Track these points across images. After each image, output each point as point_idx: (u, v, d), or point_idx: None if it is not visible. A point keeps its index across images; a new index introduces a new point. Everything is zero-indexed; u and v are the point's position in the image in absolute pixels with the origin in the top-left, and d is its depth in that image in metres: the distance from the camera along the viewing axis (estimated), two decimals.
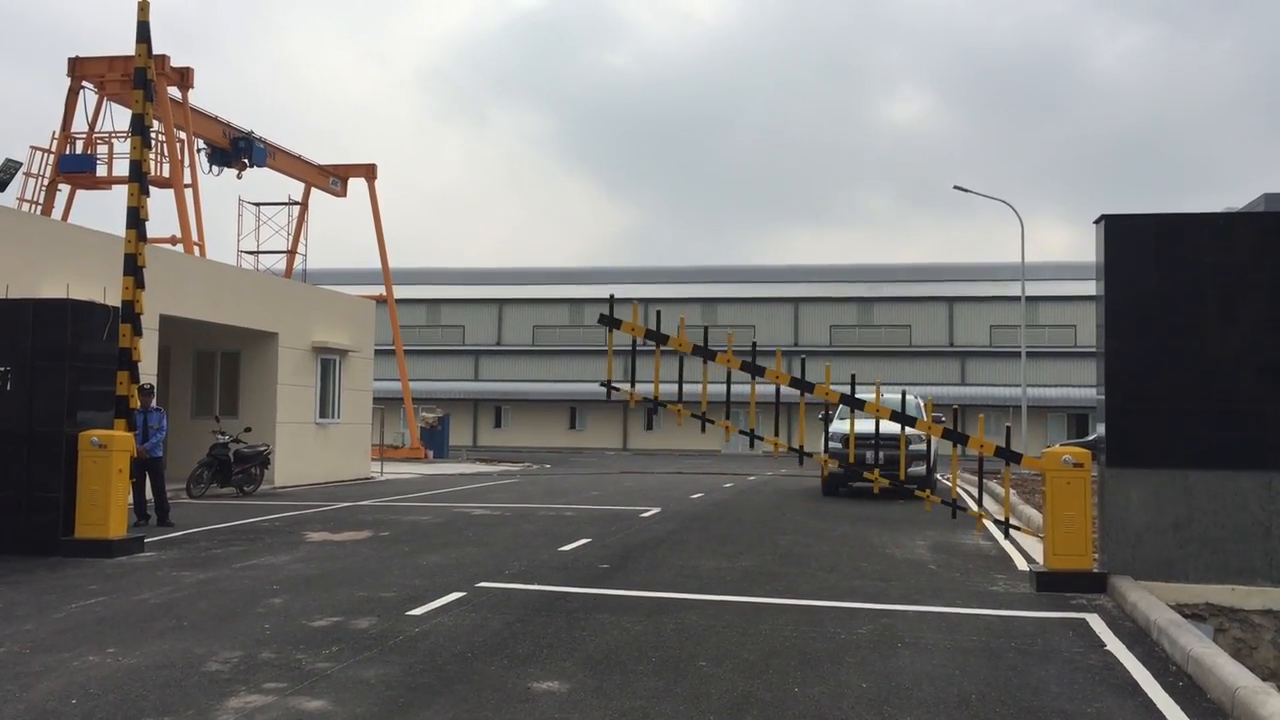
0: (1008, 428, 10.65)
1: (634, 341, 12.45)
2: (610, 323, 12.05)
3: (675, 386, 12.29)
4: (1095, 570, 9.73)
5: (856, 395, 11.18)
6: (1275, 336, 9.65)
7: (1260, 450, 9.53)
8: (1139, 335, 9.89)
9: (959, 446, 10.87)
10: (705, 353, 11.75)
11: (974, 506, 11.13)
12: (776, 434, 12.06)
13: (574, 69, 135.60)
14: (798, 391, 11.33)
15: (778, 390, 11.75)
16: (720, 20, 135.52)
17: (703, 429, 12.46)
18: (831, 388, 11.24)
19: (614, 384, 12.56)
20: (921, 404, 22.53)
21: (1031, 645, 7.49)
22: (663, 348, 12.03)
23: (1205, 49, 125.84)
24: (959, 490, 23.17)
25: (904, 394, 18.77)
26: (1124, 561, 9.67)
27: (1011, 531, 13.27)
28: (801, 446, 11.98)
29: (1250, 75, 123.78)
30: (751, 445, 11.89)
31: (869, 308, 57.19)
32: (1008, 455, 10.47)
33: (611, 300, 12.42)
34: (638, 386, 12.61)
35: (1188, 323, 9.81)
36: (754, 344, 12.07)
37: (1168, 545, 9.60)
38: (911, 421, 11.41)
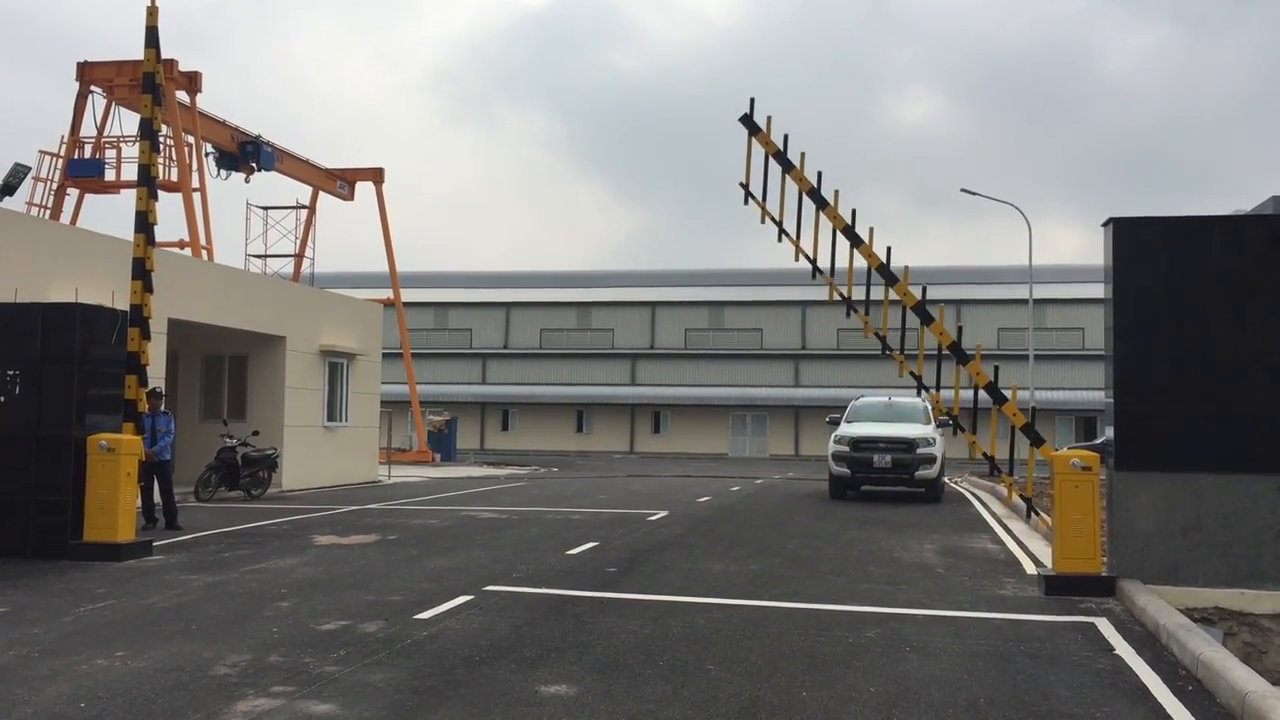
0: (1033, 409, 10.53)
1: (765, 159, 12.09)
2: (750, 126, 11.73)
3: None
4: (1104, 574, 9.70)
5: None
6: None
7: (1270, 454, 9.49)
8: (1148, 338, 9.86)
9: (998, 406, 10.71)
10: (818, 199, 11.45)
11: (1003, 472, 10.98)
12: (938, 388, 11.61)
13: (581, 70, 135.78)
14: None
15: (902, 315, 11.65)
16: (729, 21, 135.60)
17: (813, 275, 12.05)
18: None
19: (750, 192, 12.25)
20: (929, 407, 22.52)
21: (1040, 649, 7.47)
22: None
23: (1218, 49, 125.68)
24: (966, 491, 23.13)
25: (920, 389, 18.58)
26: (1133, 565, 9.63)
27: (1019, 535, 13.22)
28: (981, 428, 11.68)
29: (1263, 75, 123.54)
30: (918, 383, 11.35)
31: (877, 311, 57.12)
32: (1032, 435, 10.39)
33: (752, 103, 12.03)
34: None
35: (1197, 326, 9.78)
36: (854, 209, 11.70)
37: (1177, 549, 9.56)
38: (968, 358, 11.12)
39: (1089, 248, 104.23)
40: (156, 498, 14.55)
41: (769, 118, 11.61)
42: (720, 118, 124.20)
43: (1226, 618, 9.33)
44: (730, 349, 57.84)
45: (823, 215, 11.31)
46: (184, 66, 27.52)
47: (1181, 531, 9.56)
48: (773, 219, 11.71)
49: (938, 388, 11.00)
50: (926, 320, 10.59)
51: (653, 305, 59.41)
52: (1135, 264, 9.94)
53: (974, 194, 36.69)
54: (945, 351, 11.04)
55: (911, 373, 11.06)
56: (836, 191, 11.27)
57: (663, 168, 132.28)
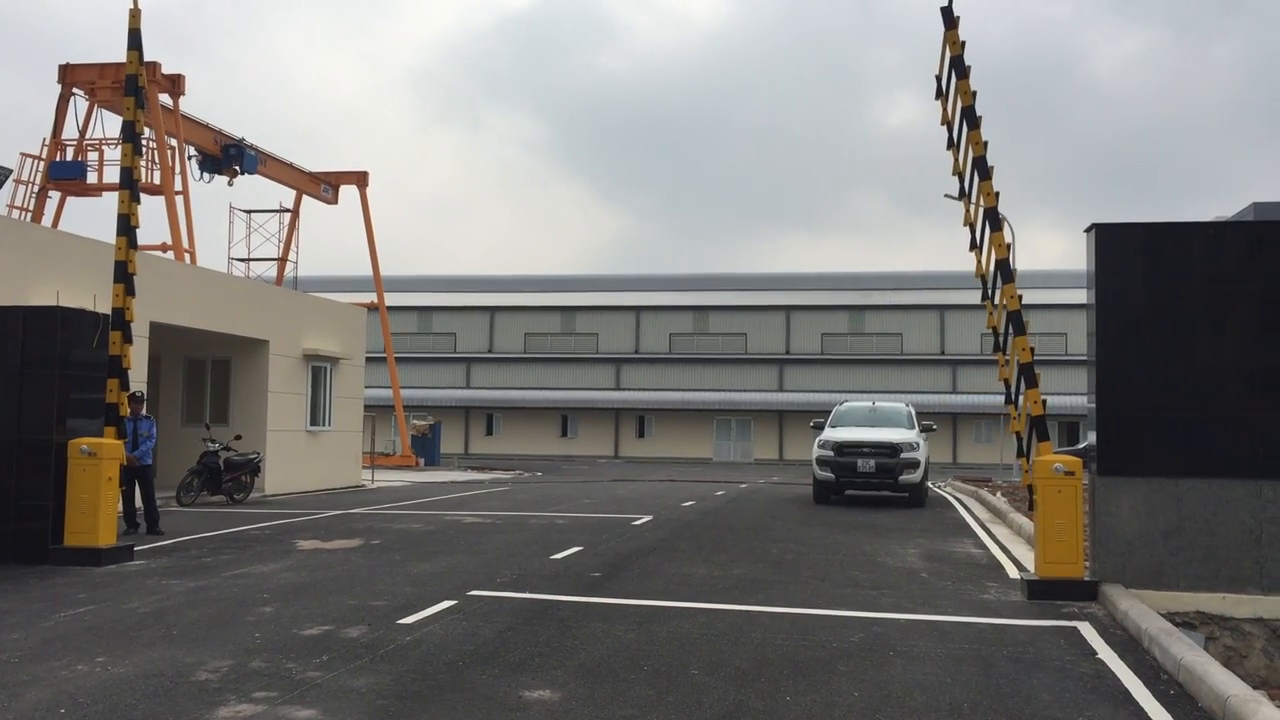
0: (1043, 399, 10.44)
1: (949, 62, 10.97)
2: (948, 19, 11.02)
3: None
4: (1086, 578, 9.73)
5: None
6: (1265, 345, 9.68)
7: (1250, 458, 9.55)
8: (1129, 344, 9.92)
9: (1021, 407, 10.41)
10: (970, 118, 10.50)
11: (1025, 456, 10.72)
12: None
13: (566, 71, 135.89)
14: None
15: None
16: (715, 23, 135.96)
17: (958, 196, 10.92)
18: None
19: (942, 87, 11.04)
20: (913, 412, 22.59)
21: (1023, 654, 7.49)
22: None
23: (1204, 54, 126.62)
24: (950, 496, 23.21)
25: (996, 345, 18.40)
26: (1115, 570, 9.68)
27: (1003, 539, 13.25)
28: None
29: (1250, 80, 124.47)
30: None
31: (860, 315, 57.31)
32: (1040, 429, 10.32)
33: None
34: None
35: (1178, 331, 9.84)
36: (986, 142, 10.62)
37: (1159, 553, 9.61)
38: (1022, 330, 10.54)
39: (1073, 253, 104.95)
40: (138, 502, 14.47)
41: (958, 16, 10.98)
42: (706, 119, 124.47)
43: (1208, 622, 9.38)
44: (715, 353, 57.92)
45: (971, 137, 10.69)
46: (167, 68, 27.41)
47: (1163, 536, 9.61)
48: (948, 125, 11.23)
49: (1002, 348, 10.72)
50: (1007, 278, 10.45)
51: (637, 310, 59.44)
52: (1117, 270, 9.99)
53: (956, 199, 36.80)
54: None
55: (994, 328, 10.82)
56: (980, 117, 10.79)
57: (647, 170, 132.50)
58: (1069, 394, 50.40)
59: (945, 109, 11.15)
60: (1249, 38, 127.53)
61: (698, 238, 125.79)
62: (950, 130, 11.09)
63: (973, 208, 10.89)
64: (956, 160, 11.03)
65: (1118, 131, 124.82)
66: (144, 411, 14.72)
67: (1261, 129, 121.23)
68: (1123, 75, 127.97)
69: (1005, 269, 10.47)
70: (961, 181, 11.00)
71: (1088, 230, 10.21)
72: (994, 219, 10.58)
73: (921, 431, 21.31)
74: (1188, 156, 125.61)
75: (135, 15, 12.43)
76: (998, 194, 10.64)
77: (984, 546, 13.85)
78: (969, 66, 10.77)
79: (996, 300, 10.64)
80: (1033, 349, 10.56)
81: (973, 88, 10.73)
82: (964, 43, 10.81)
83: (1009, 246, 10.59)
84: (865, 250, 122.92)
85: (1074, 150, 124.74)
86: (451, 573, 10.86)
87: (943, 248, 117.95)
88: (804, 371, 56.58)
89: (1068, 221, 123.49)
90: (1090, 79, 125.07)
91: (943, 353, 55.91)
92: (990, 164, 10.69)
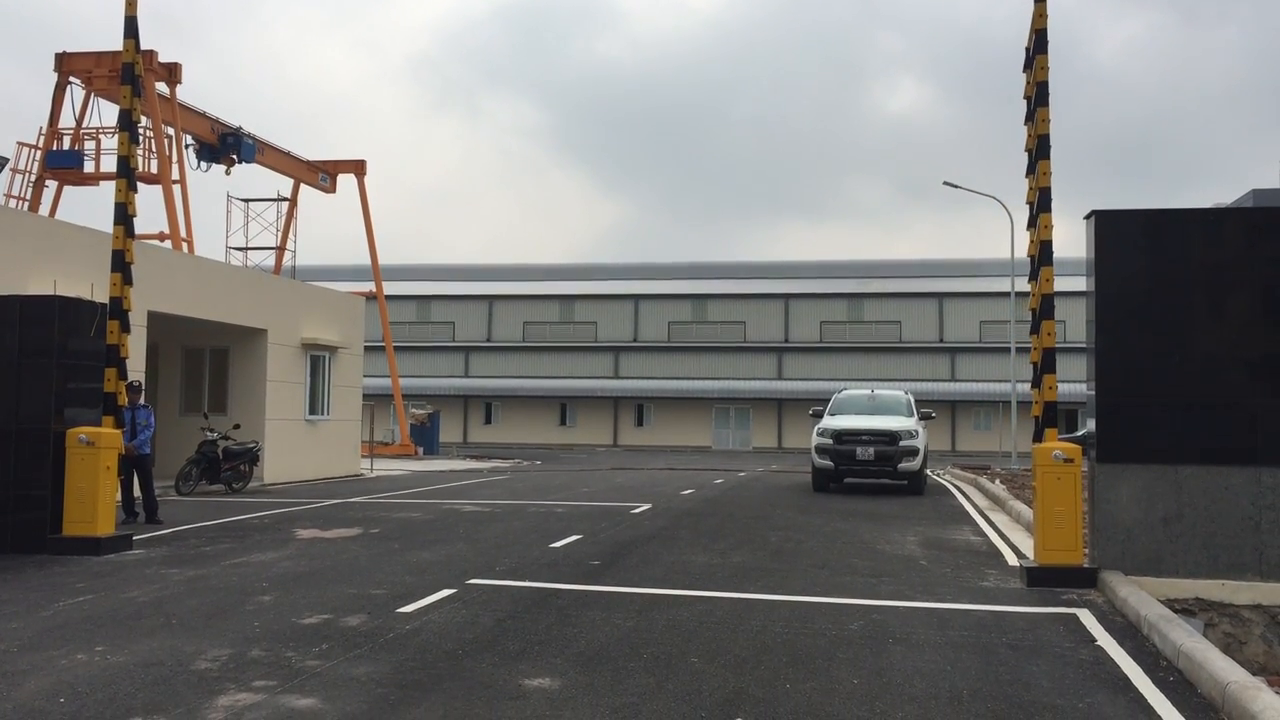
0: (1051, 387, 10.35)
1: (1032, 37, 10.76)
2: None
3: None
4: (1086, 565, 9.73)
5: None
6: (1264, 332, 9.67)
7: (1250, 445, 9.55)
8: (1128, 331, 9.90)
9: (1039, 387, 10.32)
10: (1041, 96, 10.26)
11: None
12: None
13: (564, 59, 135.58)
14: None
15: None
16: (713, 9, 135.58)
17: (1027, 173, 10.71)
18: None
19: (1031, 58, 10.47)
20: (912, 400, 22.60)
21: (1022, 641, 7.50)
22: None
23: (1207, 38, 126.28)
24: (949, 483, 23.22)
25: (906, 393, 18.57)
26: (1114, 556, 9.68)
27: (1001, 526, 13.24)
28: None
29: (1253, 65, 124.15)
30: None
31: (859, 304, 57.29)
32: (1050, 416, 10.28)
33: None
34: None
35: (1177, 318, 9.83)
36: (1051, 127, 10.32)
37: (1158, 540, 9.61)
38: (1050, 315, 10.43)
39: (1072, 240, 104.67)
40: (136, 492, 14.47)
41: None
42: (706, 106, 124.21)
43: (1207, 608, 9.39)
44: (713, 342, 57.93)
45: (1038, 114, 10.53)
46: (164, 56, 27.37)
47: (1163, 523, 9.61)
48: (1027, 99, 11.07)
49: (1035, 330, 10.60)
50: (1045, 261, 10.37)
51: (635, 298, 59.42)
52: (1116, 256, 9.97)
53: (955, 186, 36.75)
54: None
55: (1032, 310, 10.70)
56: (1049, 94, 10.63)
57: (646, 158, 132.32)
58: (1067, 382, 50.24)
59: (1028, 82, 11.04)
60: (1253, 21, 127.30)
61: (696, 226, 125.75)
62: (1030, 104, 10.99)
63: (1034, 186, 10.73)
64: (1030, 134, 10.92)
65: (1118, 117, 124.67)
66: (142, 401, 14.70)
67: (1263, 115, 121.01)
68: (1124, 59, 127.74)
69: (1046, 251, 10.39)
70: (1031, 158, 10.89)
71: (1087, 217, 10.19)
72: (1045, 199, 10.48)
73: (920, 419, 21.31)
74: (1189, 142, 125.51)
75: (132, 3, 12.36)
76: (1049, 173, 10.50)
77: (983, 534, 13.86)
78: (1048, 41, 10.63)
79: (1038, 283, 10.53)
80: (1060, 330, 10.42)
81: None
82: (1048, 16, 10.64)
83: (1051, 228, 10.48)
84: (863, 238, 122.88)
85: (1074, 136, 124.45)
86: (450, 561, 10.86)
87: (945, 234, 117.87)
88: (802, 360, 56.58)
89: (1067, 208, 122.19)
90: (1091, 64, 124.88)
91: (941, 341, 55.89)
92: (1051, 144, 10.53)
